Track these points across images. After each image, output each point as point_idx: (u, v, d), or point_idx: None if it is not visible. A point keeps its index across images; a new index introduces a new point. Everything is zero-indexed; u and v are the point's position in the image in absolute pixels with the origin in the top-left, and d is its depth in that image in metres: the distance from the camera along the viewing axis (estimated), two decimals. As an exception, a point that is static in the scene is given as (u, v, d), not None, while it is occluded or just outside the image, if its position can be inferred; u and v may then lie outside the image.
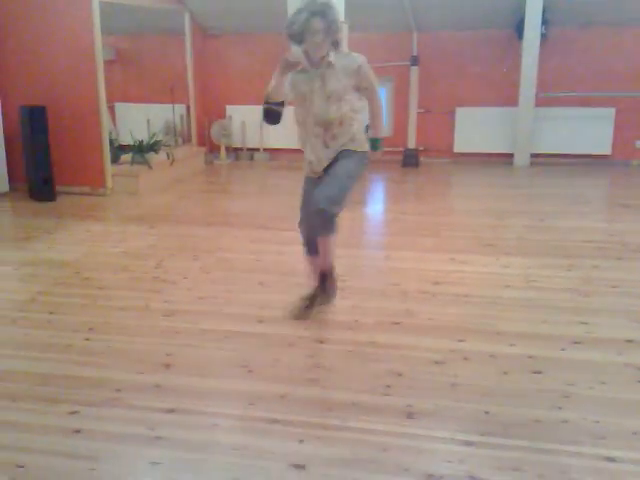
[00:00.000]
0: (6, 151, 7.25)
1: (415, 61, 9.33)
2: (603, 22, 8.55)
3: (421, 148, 9.57)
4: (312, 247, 3.67)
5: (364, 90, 3.44)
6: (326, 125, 3.39)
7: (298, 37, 3.22)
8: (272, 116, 3.38)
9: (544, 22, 8.36)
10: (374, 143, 3.65)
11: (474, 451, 2.50)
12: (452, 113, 9.44)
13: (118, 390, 2.99)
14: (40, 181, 6.90)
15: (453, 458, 2.45)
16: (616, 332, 3.56)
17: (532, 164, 9.10)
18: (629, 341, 3.44)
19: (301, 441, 2.58)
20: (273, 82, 3.29)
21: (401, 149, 9.53)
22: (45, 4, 6.95)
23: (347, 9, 6.47)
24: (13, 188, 7.33)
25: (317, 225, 3.42)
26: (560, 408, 2.79)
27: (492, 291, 4.24)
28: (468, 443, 2.54)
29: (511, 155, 9.22)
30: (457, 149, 9.54)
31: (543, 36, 8.45)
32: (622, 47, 8.73)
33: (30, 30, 7.04)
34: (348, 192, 3.42)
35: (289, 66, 3.28)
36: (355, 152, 3.47)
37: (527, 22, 8.27)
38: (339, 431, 2.64)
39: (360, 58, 3.38)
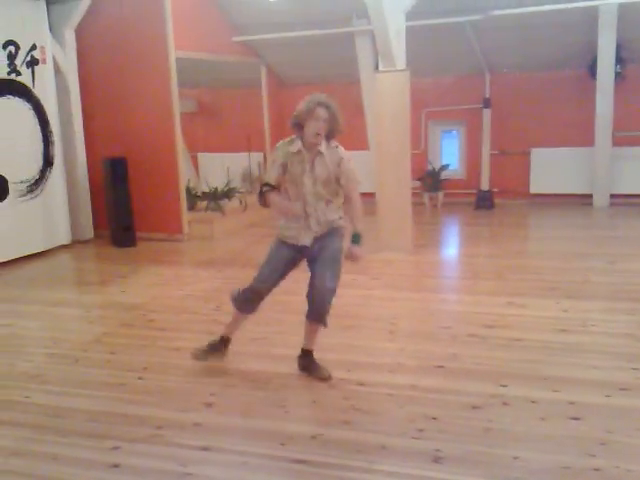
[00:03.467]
0: (91, 200, 7.75)
1: (487, 103, 9.31)
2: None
3: (496, 190, 9.47)
4: (255, 306, 3.79)
5: (343, 185, 3.54)
6: (318, 200, 3.52)
7: (301, 121, 3.42)
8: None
9: (619, 61, 8.18)
10: (355, 237, 3.61)
11: (496, 497, 2.47)
12: (527, 154, 9.32)
13: (159, 427, 3.13)
14: (121, 228, 7.32)
15: (473, 504, 2.43)
16: (670, 379, 3.42)
17: (612, 205, 8.82)
18: (682, 389, 3.30)
19: (324, 482, 2.63)
20: (272, 174, 3.53)
21: (474, 191, 9.48)
22: (126, 61, 7.48)
23: (414, 54, 6.60)
24: (97, 235, 7.80)
25: (320, 311, 3.67)
26: (593, 456, 2.71)
27: (546, 335, 4.15)
28: (491, 489, 2.52)
29: (590, 196, 8.97)
30: (533, 190, 9.38)
31: (618, 75, 8.27)
32: None
33: (113, 86, 7.60)
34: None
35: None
36: (340, 231, 3.63)
37: (600, 61, 8.13)
38: (363, 473, 2.67)
39: (345, 153, 3.53)
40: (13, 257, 6.67)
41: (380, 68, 6.60)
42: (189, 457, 2.86)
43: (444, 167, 9.65)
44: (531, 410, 3.16)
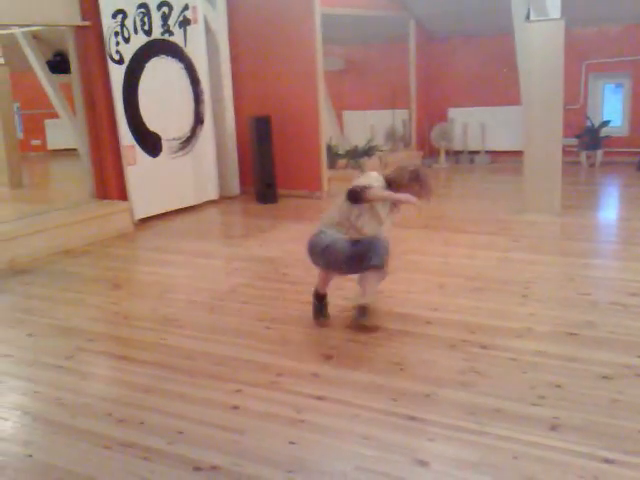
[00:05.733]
0: (238, 158, 8.04)
1: (657, 53, 8.51)
2: None
3: (663, 149, 8.70)
4: None
5: None
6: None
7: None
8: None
9: None
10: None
11: (612, 469, 2.33)
12: (701, 109, 8.46)
13: (279, 375, 3.24)
14: (264, 185, 7.54)
15: (586, 474, 2.30)
16: None
17: None
18: None
19: (431, 440, 2.59)
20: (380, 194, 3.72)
21: (638, 150, 8.75)
22: (272, 19, 7.57)
23: (575, 1, 6.12)
24: (243, 191, 8.09)
25: None
26: None
27: (700, 306, 3.80)
28: (608, 461, 2.37)
29: None
30: None
31: None
32: None
33: (259, 44, 7.73)
34: None
35: None
36: None
37: None
38: (473, 434, 2.61)
39: None
40: (165, 210, 7.09)
41: (531, 17, 6.22)
42: (304, 405, 2.93)
43: (604, 123, 8.98)
44: (668, 384, 2.91)
